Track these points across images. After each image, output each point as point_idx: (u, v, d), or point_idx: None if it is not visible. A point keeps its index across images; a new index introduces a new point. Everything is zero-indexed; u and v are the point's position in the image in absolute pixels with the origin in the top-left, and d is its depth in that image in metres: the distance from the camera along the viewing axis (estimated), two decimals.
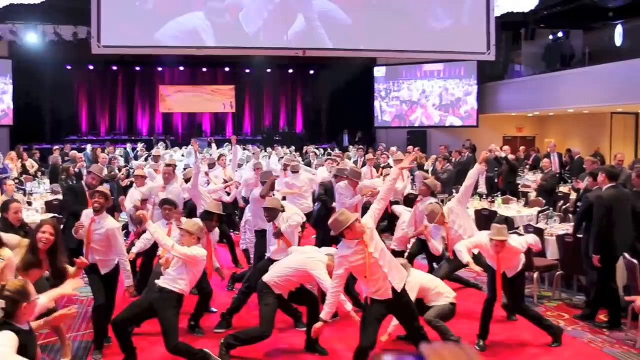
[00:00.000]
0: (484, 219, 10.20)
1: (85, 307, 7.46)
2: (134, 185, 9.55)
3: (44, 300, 4.12)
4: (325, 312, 5.29)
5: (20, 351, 3.47)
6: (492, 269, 6.34)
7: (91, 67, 26.53)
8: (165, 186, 8.79)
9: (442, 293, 6.31)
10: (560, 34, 20.13)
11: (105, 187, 6.37)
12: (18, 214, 6.40)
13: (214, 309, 7.40)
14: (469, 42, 13.52)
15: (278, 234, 6.91)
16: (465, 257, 6.26)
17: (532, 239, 6.64)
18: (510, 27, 19.06)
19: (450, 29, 13.59)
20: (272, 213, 6.98)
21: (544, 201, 11.58)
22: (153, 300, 5.64)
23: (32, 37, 19.58)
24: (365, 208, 8.10)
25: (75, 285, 4.60)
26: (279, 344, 6.49)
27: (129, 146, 20.59)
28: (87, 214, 6.25)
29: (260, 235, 7.84)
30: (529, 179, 15.02)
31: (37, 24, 19.23)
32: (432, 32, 13.54)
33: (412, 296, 5.88)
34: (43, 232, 5.22)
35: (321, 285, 5.93)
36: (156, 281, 5.72)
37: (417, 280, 6.21)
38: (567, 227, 8.67)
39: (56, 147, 17.87)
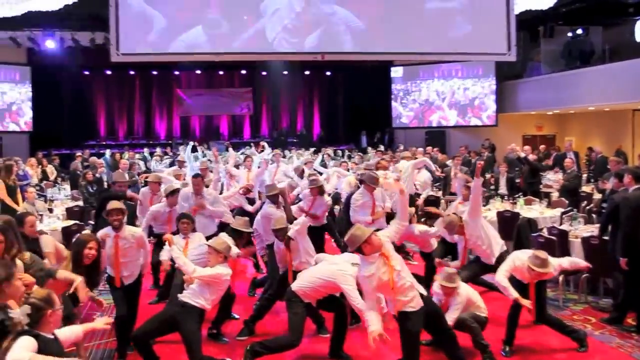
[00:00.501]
0: (506, 221, 10.08)
1: (108, 314, 7.42)
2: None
3: (79, 330, 4.06)
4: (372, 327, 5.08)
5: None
6: (522, 283, 6.20)
7: (109, 72, 26.69)
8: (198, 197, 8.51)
9: (481, 307, 6.31)
10: (579, 31, 19.87)
11: (119, 204, 6.31)
12: (34, 227, 6.31)
13: (236, 316, 7.35)
14: (489, 44, 13.37)
15: (288, 243, 6.85)
16: (513, 294, 5.99)
17: (568, 262, 6.48)
18: (528, 25, 18.84)
19: (470, 30, 13.45)
20: (282, 233, 6.88)
21: (567, 202, 11.43)
22: (175, 314, 5.58)
23: (50, 44, 19.71)
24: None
25: (108, 322, 4.51)
26: (303, 351, 6.42)
27: (146, 151, 20.64)
28: (105, 232, 6.22)
29: (271, 248, 7.68)
30: (551, 179, 14.84)
31: (55, 30, 19.36)
32: (452, 34, 13.41)
33: (460, 308, 5.91)
34: (90, 249, 5.41)
35: (350, 300, 5.80)
36: (179, 295, 5.67)
37: (465, 292, 6.18)
38: (592, 229, 8.52)
39: (78, 153, 17.91)
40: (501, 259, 6.67)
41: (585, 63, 19.25)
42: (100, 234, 6.19)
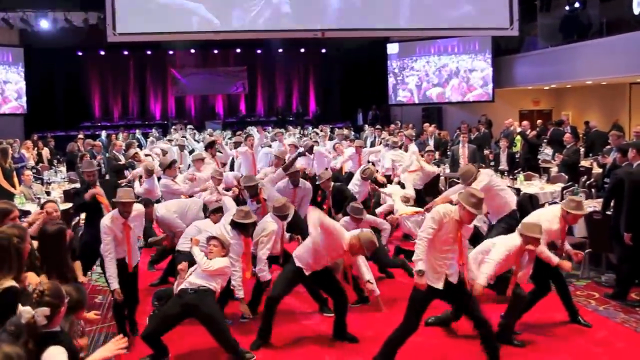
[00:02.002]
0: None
1: (109, 298, 7.38)
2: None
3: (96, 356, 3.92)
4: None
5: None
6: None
7: (102, 53, 26.47)
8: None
9: None
10: (576, 5, 19.68)
11: (125, 192, 6.17)
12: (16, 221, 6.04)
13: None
14: (491, 18, 13.25)
15: (291, 239, 6.91)
16: (554, 259, 5.97)
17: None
18: None
19: (472, 6, 13.32)
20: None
21: (566, 177, 11.39)
22: (189, 301, 5.52)
23: (43, 25, 19.47)
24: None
25: (118, 348, 4.21)
26: (307, 332, 6.42)
27: (138, 132, 20.34)
28: (112, 220, 6.04)
29: None
30: (548, 154, 14.80)
31: (47, 11, 19.14)
32: (453, 9, 13.29)
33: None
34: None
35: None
36: (191, 281, 5.62)
37: None
38: (594, 204, 8.50)
39: (80, 135, 17.63)
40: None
41: (582, 37, 19.13)
42: (106, 220, 6.07)
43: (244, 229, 6.27)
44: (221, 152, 11.77)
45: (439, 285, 5.17)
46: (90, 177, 7.67)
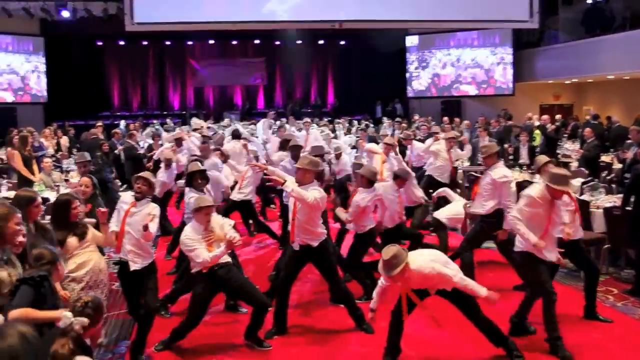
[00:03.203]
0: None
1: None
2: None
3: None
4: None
5: None
6: None
7: (122, 43, 26.56)
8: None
9: None
10: None
11: (148, 174, 6.03)
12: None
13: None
14: (511, 10, 13.07)
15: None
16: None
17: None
18: None
19: None
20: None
21: (586, 172, 11.26)
22: (219, 278, 5.66)
23: (64, 14, 19.57)
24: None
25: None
26: (322, 324, 6.42)
27: (156, 123, 20.39)
28: (124, 200, 5.98)
29: None
30: (569, 149, 14.66)
31: (67, 1, 19.22)
32: (473, 1, 13.12)
33: None
34: (74, 208, 5.36)
35: None
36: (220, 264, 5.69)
37: None
38: (614, 200, 8.40)
39: (99, 123, 17.64)
40: None
41: (605, 31, 18.87)
42: (123, 196, 6.18)
43: None
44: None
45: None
46: (81, 168, 7.74)
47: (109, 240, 5.61)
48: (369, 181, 7.01)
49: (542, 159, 6.90)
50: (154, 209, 5.77)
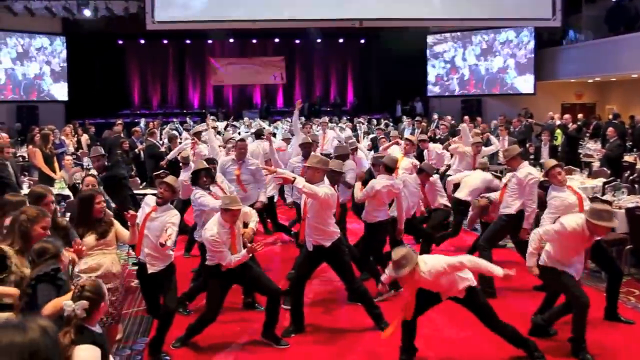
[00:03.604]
0: (546, 191, 9.81)
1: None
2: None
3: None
4: None
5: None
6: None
7: (142, 42, 26.72)
8: (240, 162, 8.24)
9: None
10: None
11: (172, 179, 5.93)
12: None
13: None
14: (533, 8, 12.95)
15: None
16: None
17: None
18: None
19: None
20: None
21: (608, 172, 11.12)
22: (236, 270, 5.72)
23: (85, 13, 19.73)
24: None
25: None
26: (339, 322, 6.39)
27: (176, 121, 20.34)
28: (147, 202, 5.94)
29: None
30: (591, 148, 14.50)
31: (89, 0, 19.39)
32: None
33: None
34: (98, 203, 5.27)
35: None
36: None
37: None
38: (637, 200, 8.29)
39: (119, 121, 17.73)
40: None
41: (629, 29, 18.62)
42: (147, 198, 6.06)
43: None
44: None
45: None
46: (95, 162, 7.78)
47: (134, 239, 5.56)
48: (388, 167, 7.10)
49: (549, 162, 6.77)
50: (174, 216, 5.71)
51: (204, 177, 6.74)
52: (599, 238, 5.68)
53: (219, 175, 7.54)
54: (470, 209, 8.55)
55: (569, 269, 5.48)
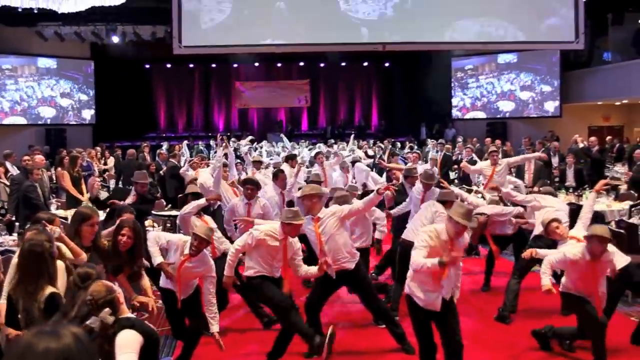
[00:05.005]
0: (571, 214, 9.71)
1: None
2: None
3: None
4: None
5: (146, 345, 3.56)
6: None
7: (169, 66, 27.12)
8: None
9: None
10: None
11: (203, 231, 5.56)
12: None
13: None
14: (556, 31, 12.92)
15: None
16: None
17: None
18: (596, 12, 18.17)
19: (537, 18, 13.03)
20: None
21: (636, 195, 10.96)
22: (254, 285, 5.87)
23: (113, 38, 20.10)
24: None
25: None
26: (362, 343, 6.34)
27: (201, 144, 20.38)
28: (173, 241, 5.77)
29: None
30: (618, 171, 14.32)
31: (117, 25, 19.74)
32: (517, 22, 13.01)
33: None
34: (123, 235, 5.24)
35: None
36: None
37: None
38: None
39: (145, 144, 17.76)
40: None
41: None
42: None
43: None
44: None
45: None
46: (143, 189, 7.81)
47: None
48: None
49: (546, 219, 6.37)
50: (210, 271, 5.63)
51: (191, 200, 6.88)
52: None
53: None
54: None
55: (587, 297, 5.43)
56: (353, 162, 11.97)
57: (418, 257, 4.79)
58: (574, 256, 5.34)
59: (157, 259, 5.64)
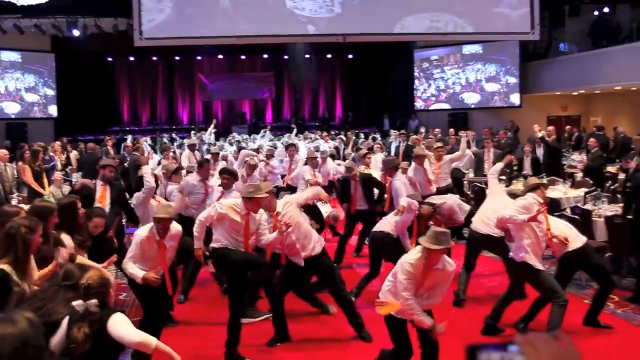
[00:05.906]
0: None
1: (132, 296, 7.43)
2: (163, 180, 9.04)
3: None
4: None
5: None
6: None
7: (132, 59, 26.91)
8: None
9: None
10: (606, 9, 19.49)
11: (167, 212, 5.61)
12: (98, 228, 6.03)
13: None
14: (512, 23, 13.21)
15: None
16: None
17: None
18: (553, 3, 18.54)
19: (493, 10, 13.29)
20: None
21: (591, 182, 11.30)
22: None
23: (74, 31, 19.86)
24: None
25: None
26: (323, 332, 6.48)
27: (165, 137, 20.37)
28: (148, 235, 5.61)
29: None
30: (575, 160, 14.70)
31: (78, 17, 19.50)
32: (474, 14, 13.27)
33: None
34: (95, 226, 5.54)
35: None
36: None
37: None
38: (617, 209, 8.44)
39: (107, 138, 17.58)
40: None
41: (612, 42, 18.90)
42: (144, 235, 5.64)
43: None
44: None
45: None
46: (111, 172, 7.81)
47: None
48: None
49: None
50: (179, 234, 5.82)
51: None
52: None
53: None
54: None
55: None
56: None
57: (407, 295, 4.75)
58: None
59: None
